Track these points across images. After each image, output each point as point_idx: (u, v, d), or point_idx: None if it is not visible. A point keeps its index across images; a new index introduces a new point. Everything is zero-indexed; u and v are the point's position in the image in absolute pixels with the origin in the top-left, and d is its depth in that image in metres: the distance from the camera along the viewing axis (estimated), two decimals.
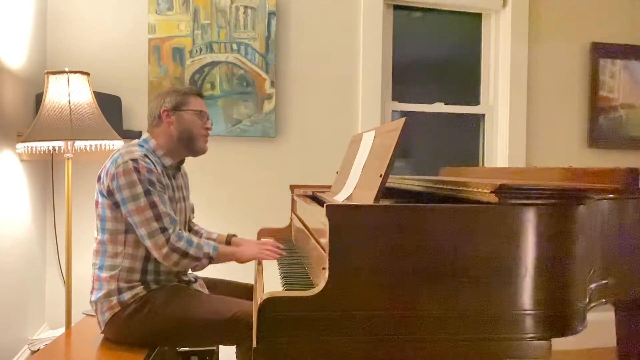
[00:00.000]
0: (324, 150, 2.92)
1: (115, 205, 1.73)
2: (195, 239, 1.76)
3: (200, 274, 2.00)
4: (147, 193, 1.69)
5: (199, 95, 1.94)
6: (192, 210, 2.16)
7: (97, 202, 1.79)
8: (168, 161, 1.88)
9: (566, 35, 3.27)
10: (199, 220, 2.23)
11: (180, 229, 1.76)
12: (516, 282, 1.26)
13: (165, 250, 1.69)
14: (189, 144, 1.89)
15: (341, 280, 1.22)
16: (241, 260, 1.88)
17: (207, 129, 1.92)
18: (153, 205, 1.69)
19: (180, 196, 1.93)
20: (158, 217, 1.69)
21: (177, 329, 1.72)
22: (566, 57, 3.27)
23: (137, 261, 1.77)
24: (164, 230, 1.69)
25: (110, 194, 1.73)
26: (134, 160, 1.71)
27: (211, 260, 1.78)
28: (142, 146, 1.82)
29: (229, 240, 2.11)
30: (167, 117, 1.86)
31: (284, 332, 1.20)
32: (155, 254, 1.71)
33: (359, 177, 1.66)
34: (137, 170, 1.69)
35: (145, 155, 1.75)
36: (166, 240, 1.69)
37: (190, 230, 2.13)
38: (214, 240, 2.10)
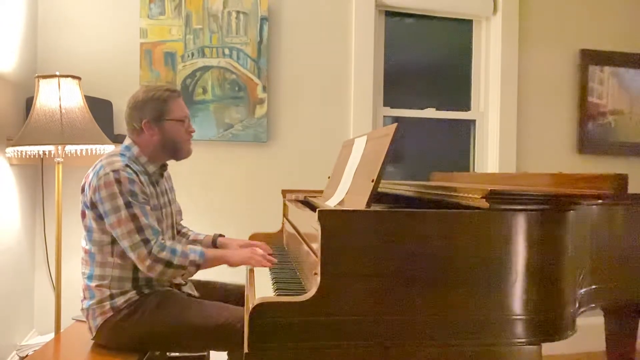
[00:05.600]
0: (315, 155, 2.93)
1: (100, 217, 1.72)
2: (179, 247, 1.73)
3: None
4: (128, 205, 1.67)
5: (179, 94, 1.88)
6: (180, 213, 2.14)
7: (83, 213, 1.78)
8: (152, 168, 1.86)
9: (556, 42, 3.30)
10: (190, 225, 2.22)
11: (163, 239, 1.74)
12: (506, 287, 1.27)
13: (148, 262, 1.66)
14: (174, 151, 1.87)
15: (333, 285, 1.22)
16: (231, 264, 1.84)
17: (191, 132, 1.90)
18: (134, 218, 1.67)
19: (165, 201, 1.92)
20: (139, 230, 1.67)
21: (168, 334, 1.71)
22: (556, 63, 3.31)
23: (126, 270, 1.75)
24: (146, 242, 1.67)
25: (93, 206, 1.72)
26: (115, 171, 1.68)
27: (198, 267, 1.75)
28: (124, 155, 1.79)
29: (214, 240, 2.10)
30: (149, 129, 1.81)
31: (276, 337, 1.20)
32: (139, 266, 1.69)
33: (350, 182, 1.67)
34: (118, 181, 1.67)
35: (127, 165, 1.72)
36: (148, 252, 1.66)
37: (178, 232, 2.12)
38: (201, 242, 2.09)
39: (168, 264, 1.69)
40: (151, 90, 1.84)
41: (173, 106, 1.84)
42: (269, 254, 1.90)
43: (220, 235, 2.13)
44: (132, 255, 1.68)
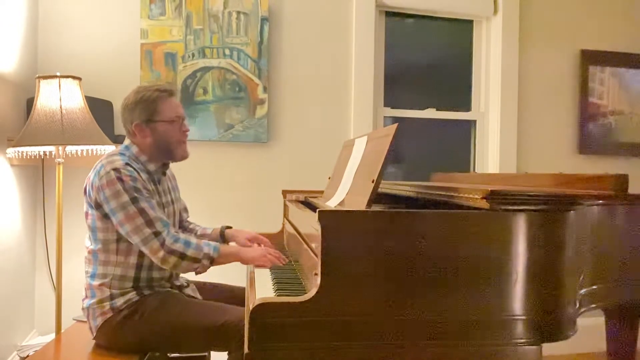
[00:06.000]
0: (316, 156, 2.93)
1: (106, 217, 1.72)
2: (193, 240, 1.74)
3: (191, 277, 2.00)
4: (135, 201, 1.67)
5: (170, 93, 1.85)
6: (185, 210, 2.15)
7: (86, 214, 1.78)
8: (152, 167, 1.85)
9: (556, 42, 3.30)
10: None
11: (176, 231, 1.75)
12: (507, 287, 1.27)
13: (161, 254, 1.67)
14: (169, 153, 1.85)
15: (333, 285, 1.22)
16: (245, 261, 1.83)
17: (185, 132, 1.87)
18: (142, 212, 1.67)
19: (167, 200, 1.92)
20: (149, 223, 1.67)
21: (168, 335, 1.71)
22: (556, 64, 3.30)
23: (129, 269, 1.76)
24: (157, 234, 1.67)
25: (98, 206, 1.72)
26: (116, 169, 1.68)
27: (212, 261, 1.74)
28: (123, 154, 1.79)
29: (222, 232, 2.10)
30: (140, 131, 1.80)
31: (276, 337, 1.20)
32: (153, 259, 1.69)
33: (351, 183, 1.67)
34: (120, 179, 1.67)
35: (128, 164, 1.72)
36: (161, 244, 1.66)
37: (184, 229, 2.12)
38: (209, 235, 2.09)
39: (182, 255, 1.68)
40: (141, 91, 1.82)
41: (163, 107, 1.81)
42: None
43: (228, 227, 2.12)
44: (144, 249, 1.68)
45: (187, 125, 1.89)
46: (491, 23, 3.28)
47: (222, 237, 2.10)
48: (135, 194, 1.68)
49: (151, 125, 1.81)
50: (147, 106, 1.80)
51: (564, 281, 1.33)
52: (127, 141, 1.86)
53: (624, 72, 3.38)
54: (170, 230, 1.71)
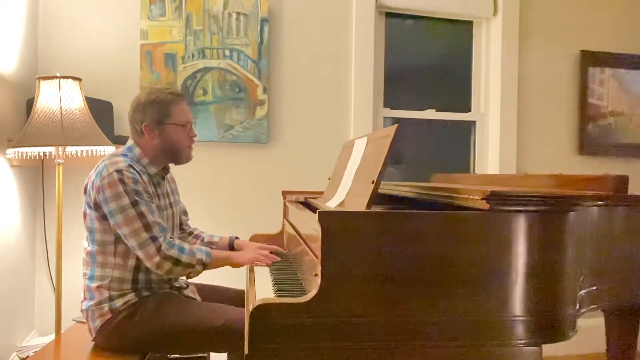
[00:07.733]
0: (316, 157, 2.93)
1: (104, 218, 1.71)
2: (187, 246, 1.75)
3: (192, 280, 2.00)
4: (135, 204, 1.67)
5: (182, 98, 1.87)
6: (185, 213, 2.14)
7: (85, 214, 1.78)
8: (153, 170, 1.86)
9: (556, 43, 3.30)
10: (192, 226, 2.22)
11: (171, 237, 1.75)
12: (506, 288, 1.27)
13: (156, 259, 1.67)
14: (174, 156, 1.87)
15: (333, 286, 1.22)
16: (235, 265, 1.86)
17: (192, 137, 1.89)
18: (141, 216, 1.67)
19: (166, 203, 1.92)
20: (147, 227, 1.67)
21: (167, 336, 1.71)
22: (556, 64, 3.31)
23: (127, 271, 1.76)
24: (154, 239, 1.67)
25: (97, 206, 1.71)
26: (119, 171, 1.68)
27: (205, 266, 1.76)
28: (126, 155, 1.79)
29: (231, 243, 2.10)
30: (150, 132, 1.81)
31: (276, 338, 1.20)
32: (147, 263, 1.70)
33: (351, 184, 1.67)
34: (122, 181, 1.67)
35: (130, 165, 1.72)
36: (157, 249, 1.67)
37: (190, 234, 2.13)
38: (216, 243, 2.09)
39: (176, 261, 1.69)
40: (154, 93, 1.83)
41: (175, 110, 1.83)
42: (277, 255, 1.93)
43: (236, 238, 2.13)
44: (140, 254, 1.69)
45: (194, 131, 1.91)
46: (491, 24, 3.29)
47: (232, 247, 2.08)
48: (136, 197, 1.68)
49: (161, 127, 1.82)
50: (160, 108, 1.81)
51: (564, 282, 1.33)
52: (130, 142, 1.86)
53: (624, 73, 3.38)
54: (167, 236, 1.71)
